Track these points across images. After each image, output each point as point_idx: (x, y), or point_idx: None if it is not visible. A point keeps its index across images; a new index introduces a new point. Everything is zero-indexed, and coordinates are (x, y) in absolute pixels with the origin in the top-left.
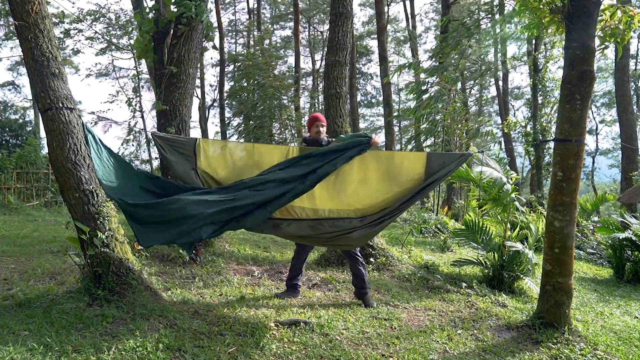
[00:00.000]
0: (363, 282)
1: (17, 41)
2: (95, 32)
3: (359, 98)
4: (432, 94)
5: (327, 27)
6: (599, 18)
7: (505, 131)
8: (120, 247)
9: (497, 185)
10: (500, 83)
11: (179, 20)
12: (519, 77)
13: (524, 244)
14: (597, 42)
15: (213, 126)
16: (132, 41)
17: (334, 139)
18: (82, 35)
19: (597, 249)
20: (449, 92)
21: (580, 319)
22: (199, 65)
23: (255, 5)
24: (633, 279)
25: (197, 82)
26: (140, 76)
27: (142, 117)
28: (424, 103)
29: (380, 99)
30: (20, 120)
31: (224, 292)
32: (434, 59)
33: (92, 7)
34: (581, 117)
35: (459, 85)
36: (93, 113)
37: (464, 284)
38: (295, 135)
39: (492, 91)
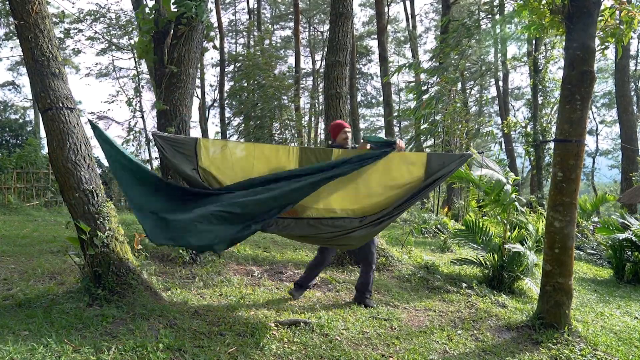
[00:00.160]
0: (367, 288)
1: (17, 41)
2: (96, 32)
3: (359, 98)
4: (432, 95)
5: (327, 27)
6: (599, 18)
7: (505, 131)
8: (120, 247)
9: (497, 187)
10: (501, 83)
11: (179, 20)
12: (519, 78)
13: (524, 245)
14: (597, 42)
15: (213, 126)
16: (132, 41)
17: (356, 145)
18: (82, 35)
19: (597, 249)
20: (449, 93)
21: (580, 319)
22: (199, 65)
23: (255, 5)
24: (633, 280)
25: (197, 82)
26: (140, 76)
27: (142, 117)
28: (424, 103)
29: (381, 99)
30: (20, 120)
31: (224, 292)
32: (434, 60)
33: (92, 7)
34: (581, 118)
35: (459, 85)
36: (93, 113)
37: (464, 285)
38: (295, 135)
39: (492, 91)
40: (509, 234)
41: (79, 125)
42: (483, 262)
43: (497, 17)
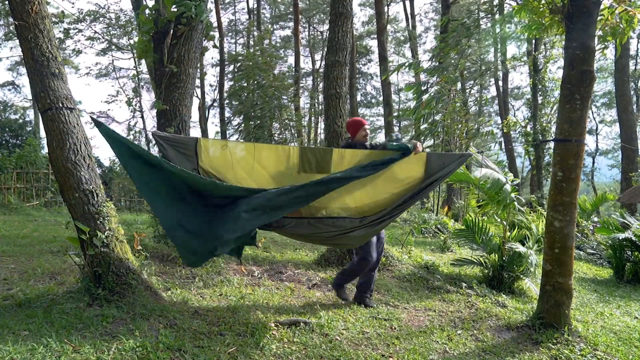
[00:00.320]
0: (369, 287)
1: (17, 41)
2: (95, 32)
3: (359, 98)
4: (432, 94)
5: (327, 27)
6: (599, 18)
7: (505, 131)
8: (120, 247)
9: (497, 186)
10: (500, 83)
11: (179, 20)
12: (519, 77)
13: (524, 245)
14: (596, 41)
15: (213, 126)
16: (132, 41)
17: (379, 143)
18: (82, 35)
19: (597, 249)
20: (448, 92)
21: (580, 319)
22: (198, 65)
23: (255, 5)
24: (633, 280)
25: (197, 82)
26: (140, 76)
27: (142, 117)
28: (423, 103)
29: (380, 99)
30: (20, 120)
31: (224, 292)
32: (434, 59)
33: (92, 8)
34: (581, 117)
35: (459, 85)
36: (93, 113)
37: (464, 284)
38: (295, 135)
39: (492, 91)
40: (508, 233)
41: (79, 125)
42: (483, 262)
43: (497, 16)
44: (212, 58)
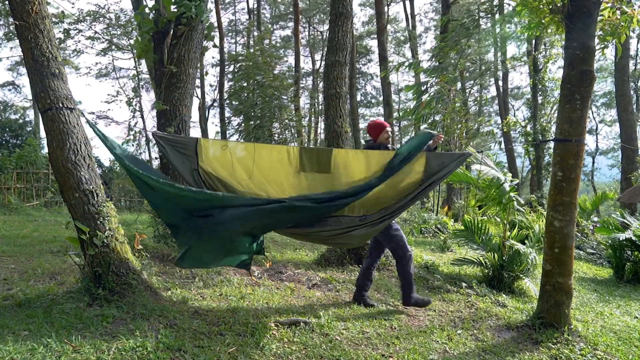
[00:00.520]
0: (367, 287)
1: (17, 41)
2: (96, 33)
3: (359, 98)
4: (432, 95)
5: (327, 27)
6: (599, 18)
7: (505, 131)
8: (120, 247)
9: (495, 185)
10: (500, 83)
11: (179, 20)
12: (519, 77)
13: (524, 245)
14: (596, 41)
15: (213, 126)
16: (132, 41)
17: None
18: (82, 35)
19: (597, 249)
20: (448, 92)
21: (580, 319)
22: (199, 65)
23: (255, 5)
24: (633, 279)
25: (197, 82)
26: (140, 76)
27: (142, 117)
28: (423, 103)
29: (380, 99)
30: (20, 120)
31: (224, 292)
32: (433, 59)
33: (92, 8)
34: (581, 117)
35: (459, 85)
36: (93, 113)
37: (463, 284)
38: (295, 135)
39: (492, 91)
40: (508, 233)
41: (79, 125)
42: (483, 261)
43: (497, 16)
44: (212, 58)
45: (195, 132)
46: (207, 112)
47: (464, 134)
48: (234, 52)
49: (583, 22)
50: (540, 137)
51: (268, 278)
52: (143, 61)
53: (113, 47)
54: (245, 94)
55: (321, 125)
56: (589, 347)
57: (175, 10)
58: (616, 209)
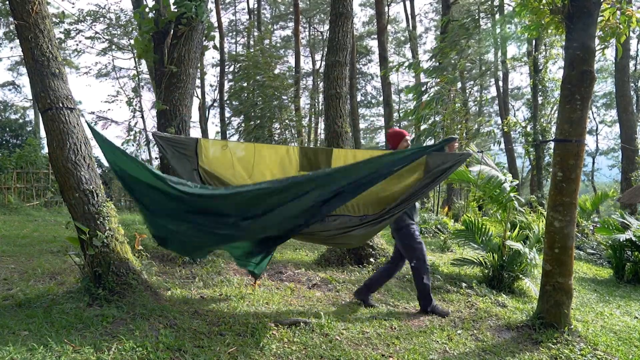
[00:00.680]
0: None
1: (17, 41)
2: (96, 33)
3: (359, 98)
4: (432, 95)
5: (327, 27)
6: (599, 18)
7: (505, 131)
8: (120, 247)
9: (494, 184)
10: (500, 83)
11: (179, 20)
12: (519, 78)
13: (524, 245)
14: (596, 42)
15: (213, 126)
16: (132, 41)
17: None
18: (82, 35)
19: (597, 249)
20: (448, 93)
21: (580, 319)
22: (199, 65)
23: (256, 5)
24: (633, 280)
25: (197, 82)
26: (140, 76)
27: (142, 117)
28: (423, 104)
29: (380, 99)
30: (20, 120)
31: (224, 292)
32: (433, 60)
33: (92, 8)
34: (581, 118)
35: (459, 85)
36: (93, 113)
37: (463, 284)
38: (295, 135)
39: (492, 91)
40: (508, 233)
41: (79, 125)
42: (483, 262)
43: (497, 16)
44: (213, 58)
45: (195, 132)
46: (207, 112)
47: (464, 135)
48: (234, 52)
49: (583, 23)
50: (541, 138)
51: (268, 278)
52: (143, 61)
53: (113, 47)
54: (246, 94)
55: (321, 125)
56: (589, 347)
57: (176, 10)
58: (616, 210)
